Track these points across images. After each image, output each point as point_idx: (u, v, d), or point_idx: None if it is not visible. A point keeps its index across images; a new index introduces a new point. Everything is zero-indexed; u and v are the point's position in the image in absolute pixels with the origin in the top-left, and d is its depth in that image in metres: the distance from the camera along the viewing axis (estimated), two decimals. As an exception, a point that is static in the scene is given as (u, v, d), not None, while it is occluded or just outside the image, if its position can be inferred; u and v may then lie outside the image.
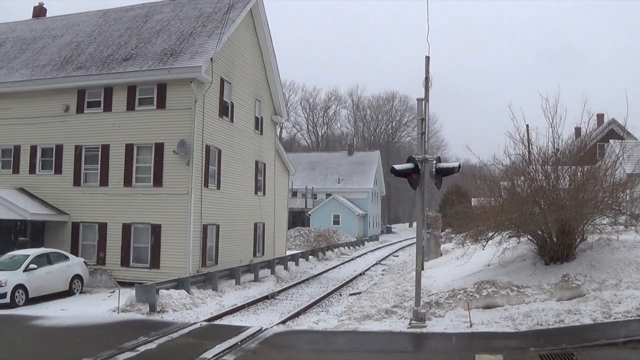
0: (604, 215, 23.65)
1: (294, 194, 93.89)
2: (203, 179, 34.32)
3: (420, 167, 20.65)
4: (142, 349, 17.60)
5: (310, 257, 52.54)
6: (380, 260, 54.98)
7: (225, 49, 36.74)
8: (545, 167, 23.62)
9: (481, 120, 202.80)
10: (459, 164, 21.94)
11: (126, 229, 34.13)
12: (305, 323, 23.45)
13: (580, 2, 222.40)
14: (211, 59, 33.98)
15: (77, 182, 35.71)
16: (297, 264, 46.79)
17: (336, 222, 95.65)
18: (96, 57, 37.68)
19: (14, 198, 34.26)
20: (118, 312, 24.73)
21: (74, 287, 30.40)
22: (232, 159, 38.54)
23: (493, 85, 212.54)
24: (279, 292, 32.80)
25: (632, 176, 24.48)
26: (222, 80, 36.72)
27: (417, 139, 21.97)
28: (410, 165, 20.76)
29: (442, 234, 46.11)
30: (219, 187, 36.64)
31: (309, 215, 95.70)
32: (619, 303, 18.87)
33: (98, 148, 35.28)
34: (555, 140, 23.75)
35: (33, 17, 47.77)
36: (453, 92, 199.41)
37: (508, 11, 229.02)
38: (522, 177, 24.64)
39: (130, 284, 29.38)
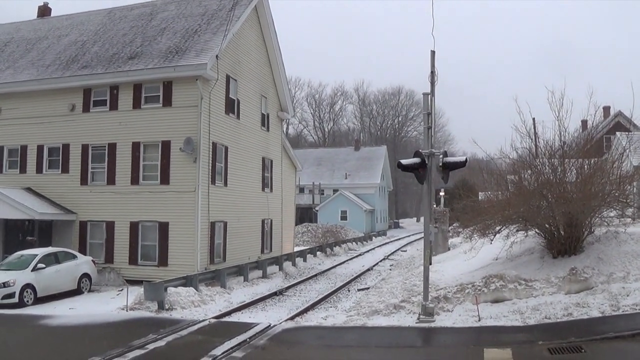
0: (611, 208, 23.63)
1: (301, 190, 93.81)
2: (210, 176, 34.38)
3: (427, 162, 20.64)
4: (151, 346, 17.62)
5: (318, 253, 52.57)
6: (388, 255, 54.96)
7: (231, 46, 36.77)
8: (552, 160, 23.58)
9: (488, 114, 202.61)
10: (466, 158, 22.00)
11: (134, 227, 34.22)
12: (313, 319, 23.52)
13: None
14: (216, 56, 34.01)
15: (84, 181, 35.81)
16: (305, 260, 46.83)
17: (344, 218, 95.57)
18: (101, 55, 37.76)
19: (21, 198, 34.35)
20: (127, 310, 24.78)
21: (82, 286, 30.49)
22: (239, 156, 38.59)
23: (499, 79, 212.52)
24: (287, 288, 32.82)
25: (639, 168, 24.47)
26: (227, 77, 36.74)
27: (423, 134, 21.99)
28: (417, 160, 20.76)
29: (450, 228, 46.07)
30: (226, 184, 36.69)
31: (317, 211, 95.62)
32: (627, 296, 18.85)
33: (105, 147, 35.35)
34: (562, 133, 23.75)
35: (38, 16, 47.92)
36: (459, 86, 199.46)
37: (514, 5, 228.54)
38: (529, 171, 24.59)
39: (138, 282, 29.43)
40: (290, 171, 51.26)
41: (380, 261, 49.29)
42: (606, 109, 52.16)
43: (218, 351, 16.74)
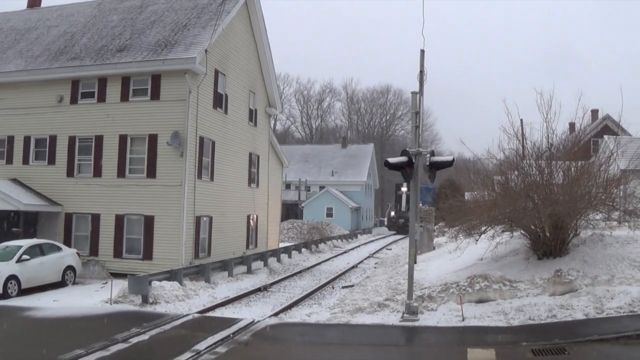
0: (597, 211, 23.68)
1: (288, 186, 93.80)
2: (196, 171, 34.28)
3: (414, 161, 20.65)
4: (134, 340, 17.62)
5: (303, 249, 52.47)
6: (373, 253, 55.02)
7: (220, 40, 36.71)
8: (539, 162, 23.63)
9: (476, 115, 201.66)
10: (453, 158, 22.06)
11: (119, 220, 34.12)
12: (297, 315, 23.54)
13: (580, 2, 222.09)
14: (205, 50, 33.95)
15: (70, 172, 35.67)
16: (290, 257, 46.78)
17: (329, 215, 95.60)
18: (90, 47, 37.59)
19: (7, 189, 34.18)
20: (110, 304, 24.72)
21: (66, 278, 30.39)
22: (226, 151, 38.52)
23: (489, 81, 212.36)
24: (272, 284, 32.81)
25: (626, 172, 24.55)
26: (216, 72, 36.68)
27: (411, 133, 22.02)
28: (404, 159, 20.77)
29: (435, 227, 46.11)
30: (212, 178, 36.64)
31: (303, 207, 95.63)
32: (612, 299, 18.93)
33: (92, 139, 35.23)
34: (550, 135, 23.75)
35: (28, 7, 47.64)
36: (448, 86, 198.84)
37: (505, 9, 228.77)
38: (516, 172, 24.62)
39: (123, 275, 29.35)
40: (277, 167, 51.23)
41: (365, 259, 49.31)
42: (594, 112, 52.08)
43: (201, 346, 16.75)
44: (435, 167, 21.29)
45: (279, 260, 42.98)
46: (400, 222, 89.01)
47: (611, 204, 23.43)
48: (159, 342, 17.99)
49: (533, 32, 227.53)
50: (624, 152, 27.28)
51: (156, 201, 33.35)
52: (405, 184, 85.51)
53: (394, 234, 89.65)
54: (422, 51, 21.72)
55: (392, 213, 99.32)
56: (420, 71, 21.60)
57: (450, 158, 21.96)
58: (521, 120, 26.15)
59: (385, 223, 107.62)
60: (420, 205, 37.09)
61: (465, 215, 25.21)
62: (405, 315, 20.40)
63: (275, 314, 23.50)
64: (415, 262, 25.25)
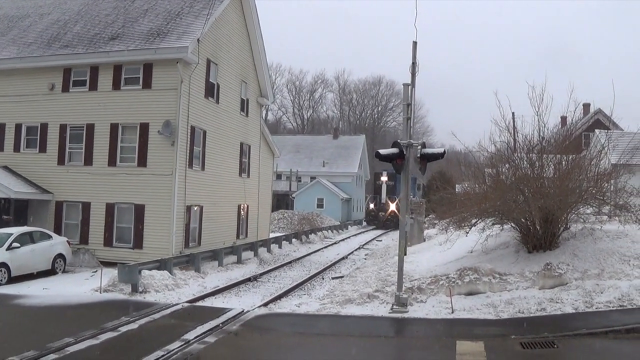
0: (588, 205, 23.73)
1: (279, 176, 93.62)
2: (187, 160, 34.26)
3: (405, 152, 20.65)
4: (123, 329, 17.59)
5: (293, 240, 52.58)
6: (363, 245, 54.99)
7: (213, 29, 36.64)
8: (530, 155, 23.66)
9: (469, 109, 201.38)
10: (444, 150, 22.03)
11: (110, 208, 34.06)
12: (287, 306, 23.51)
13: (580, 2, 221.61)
14: (198, 39, 33.88)
15: (61, 161, 35.57)
16: (280, 247, 46.83)
17: (320, 206, 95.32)
18: (83, 35, 37.44)
19: (-3, 176, 34.10)
20: (100, 292, 24.68)
21: (56, 267, 30.37)
22: (217, 140, 38.48)
23: (484, 77, 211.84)
24: (262, 274, 32.81)
25: (617, 166, 24.58)
26: (208, 61, 36.61)
27: (402, 124, 22.00)
28: (395, 150, 20.76)
29: (426, 219, 46.14)
30: (203, 168, 36.60)
31: (293, 198, 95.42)
32: (601, 293, 18.98)
33: (83, 127, 35.12)
34: (541, 128, 23.80)
35: (20, -7, 47.46)
36: (442, 81, 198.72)
37: (502, 6, 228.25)
38: (507, 165, 24.66)
39: (112, 264, 29.28)
40: (268, 157, 51.21)
41: (356, 250, 49.36)
42: (586, 106, 52.16)
43: (190, 335, 16.74)
44: (426, 159, 21.30)
45: (269, 251, 43.00)
46: (381, 215, 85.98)
47: (602, 198, 23.49)
48: (149, 331, 17.98)
49: (530, 28, 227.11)
50: (615, 147, 27.31)
51: (147, 190, 33.32)
52: (385, 173, 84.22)
53: (374, 228, 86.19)
54: (415, 43, 21.74)
55: (372, 205, 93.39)
56: (413, 63, 21.61)
57: (441, 150, 21.96)
58: (513, 113, 26.22)
59: (364, 216, 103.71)
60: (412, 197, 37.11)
61: (456, 208, 25.27)
62: (394, 306, 20.43)
63: (265, 304, 23.47)
64: (405, 254, 25.26)
